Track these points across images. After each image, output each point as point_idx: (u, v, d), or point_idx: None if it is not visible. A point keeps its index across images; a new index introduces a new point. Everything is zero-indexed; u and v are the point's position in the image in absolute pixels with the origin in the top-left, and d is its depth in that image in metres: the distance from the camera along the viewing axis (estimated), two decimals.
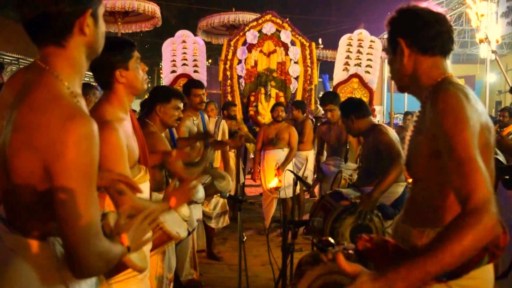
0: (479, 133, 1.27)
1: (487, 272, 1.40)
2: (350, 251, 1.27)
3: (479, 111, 1.30)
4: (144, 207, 1.83)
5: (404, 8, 1.51)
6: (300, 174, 5.93)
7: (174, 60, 7.13)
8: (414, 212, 1.50)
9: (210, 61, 19.72)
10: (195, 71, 7.12)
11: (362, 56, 7.30)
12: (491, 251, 1.36)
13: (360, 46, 7.33)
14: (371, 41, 7.36)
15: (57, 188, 1.10)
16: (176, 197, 1.93)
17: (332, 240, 1.51)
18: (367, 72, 7.26)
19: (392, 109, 8.16)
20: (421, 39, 1.45)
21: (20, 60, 14.77)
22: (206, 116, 4.61)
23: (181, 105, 2.92)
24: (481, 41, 5.43)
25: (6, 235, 1.20)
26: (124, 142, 1.75)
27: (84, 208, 1.11)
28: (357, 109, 3.47)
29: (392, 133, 3.34)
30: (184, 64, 7.11)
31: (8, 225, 1.21)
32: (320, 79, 16.63)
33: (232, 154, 5.81)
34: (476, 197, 1.16)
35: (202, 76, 7.06)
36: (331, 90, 10.47)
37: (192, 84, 4.27)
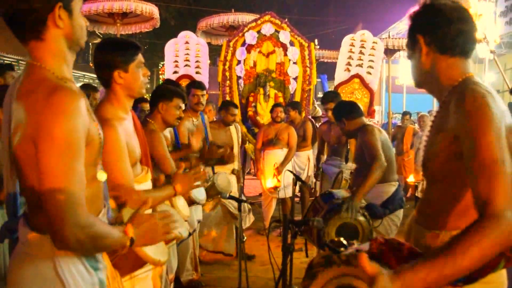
0: (505, 137, 1.23)
1: (501, 276, 1.39)
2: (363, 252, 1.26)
3: (504, 113, 1.27)
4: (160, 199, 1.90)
5: (428, 2, 1.45)
6: (304, 174, 5.96)
7: (176, 61, 7.14)
8: (429, 214, 1.47)
9: (209, 62, 19.70)
10: (197, 72, 7.14)
11: (364, 57, 7.30)
12: (508, 255, 1.33)
13: (362, 47, 7.32)
14: (374, 42, 7.37)
15: (39, 157, 1.14)
16: (181, 183, 1.99)
17: (344, 241, 1.49)
18: (369, 73, 7.26)
19: (390, 109, 8.17)
20: (440, 38, 1.40)
21: (20, 62, 14.77)
22: (206, 118, 4.63)
23: (183, 105, 2.95)
24: (479, 41, 5.43)
25: (21, 228, 1.28)
26: (123, 140, 1.77)
27: (63, 177, 1.14)
28: (347, 111, 3.53)
29: (380, 134, 3.34)
30: (186, 65, 7.13)
31: (25, 219, 1.28)
32: (319, 79, 16.64)
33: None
34: (496, 202, 1.13)
35: (204, 77, 7.07)
36: (330, 90, 10.46)
37: (193, 84, 4.33)
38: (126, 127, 1.85)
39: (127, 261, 1.45)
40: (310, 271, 1.24)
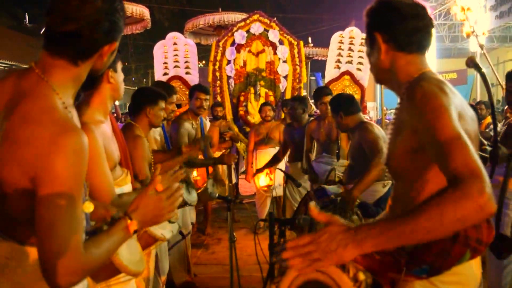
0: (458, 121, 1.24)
1: (471, 267, 1.37)
2: None
3: (455, 103, 1.28)
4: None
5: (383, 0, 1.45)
6: None
7: (166, 62, 7.15)
8: (398, 209, 1.48)
9: (204, 62, 19.70)
10: (187, 73, 7.15)
11: (354, 53, 7.33)
12: (473, 246, 1.33)
13: (351, 43, 7.36)
14: (362, 38, 7.39)
15: (39, 199, 1.09)
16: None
17: None
18: (359, 69, 7.30)
19: (383, 104, 8.17)
20: (397, 35, 1.40)
21: (13, 67, 14.75)
22: (205, 121, 4.64)
23: (164, 106, 2.96)
24: (468, 35, 5.44)
25: (0, 243, 1.20)
26: (101, 144, 1.77)
27: (63, 222, 1.09)
28: (346, 105, 3.48)
29: (379, 131, 3.34)
30: (176, 66, 7.14)
31: (1, 233, 1.21)
32: (313, 77, 16.64)
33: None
34: (463, 170, 1.10)
35: (194, 77, 7.09)
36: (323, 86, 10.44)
37: (198, 87, 4.32)
38: (103, 130, 1.84)
39: (104, 269, 1.43)
40: (281, 267, 1.26)
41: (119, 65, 1.97)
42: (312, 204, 1.12)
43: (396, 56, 1.43)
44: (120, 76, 1.97)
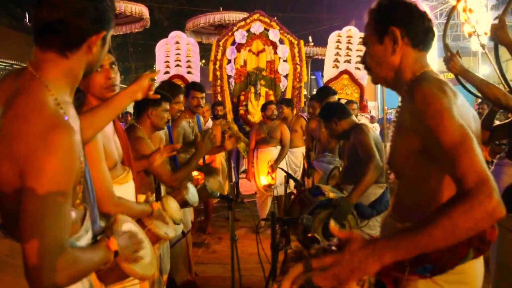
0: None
1: (474, 266, 1.38)
2: (333, 247, 1.27)
3: (456, 103, 1.27)
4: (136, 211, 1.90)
5: None
6: (300, 171, 5.96)
7: (167, 61, 7.16)
8: (400, 208, 1.49)
9: (203, 61, 19.68)
10: (189, 72, 7.15)
11: (352, 52, 7.33)
12: (476, 245, 1.33)
13: (349, 42, 7.37)
14: (360, 37, 7.39)
15: (25, 194, 1.08)
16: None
17: (318, 236, 1.51)
18: (357, 68, 7.29)
19: (384, 104, 8.17)
20: (415, 32, 1.41)
21: (14, 66, 14.75)
22: (201, 119, 4.62)
23: (169, 107, 2.95)
24: (470, 34, 5.42)
25: (1, 240, 1.21)
26: (100, 143, 1.77)
27: (47, 217, 1.08)
28: (338, 111, 3.51)
29: (373, 133, 3.35)
30: (177, 65, 7.13)
31: (3, 230, 1.21)
32: (313, 77, 16.64)
33: (222, 153, 5.83)
34: (470, 177, 1.12)
35: (195, 77, 7.10)
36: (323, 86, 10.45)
37: (192, 86, 4.31)
38: (103, 130, 1.84)
39: (112, 274, 1.43)
40: (283, 266, 1.26)
41: (114, 65, 1.98)
42: (332, 223, 1.16)
43: (407, 53, 1.42)
44: (116, 74, 1.99)
